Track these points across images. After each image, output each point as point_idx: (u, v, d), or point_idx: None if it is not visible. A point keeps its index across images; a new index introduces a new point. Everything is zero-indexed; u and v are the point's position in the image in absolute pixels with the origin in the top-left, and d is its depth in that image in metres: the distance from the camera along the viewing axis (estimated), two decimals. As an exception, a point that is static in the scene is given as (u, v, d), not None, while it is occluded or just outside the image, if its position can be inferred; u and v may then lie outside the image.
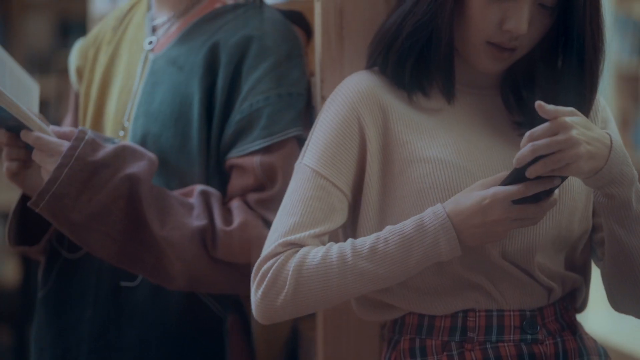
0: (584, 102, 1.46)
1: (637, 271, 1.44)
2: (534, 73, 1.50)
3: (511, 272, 1.46)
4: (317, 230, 1.45)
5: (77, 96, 1.93)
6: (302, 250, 1.43)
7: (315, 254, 1.42)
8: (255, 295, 1.44)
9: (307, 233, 1.44)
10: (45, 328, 1.78)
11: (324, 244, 1.46)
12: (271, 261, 1.44)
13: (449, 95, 1.50)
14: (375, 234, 1.41)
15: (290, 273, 1.42)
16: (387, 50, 1.50)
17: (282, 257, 1.43)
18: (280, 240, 1.44)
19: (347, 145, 1.48)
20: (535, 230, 1.46)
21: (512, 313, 1.47)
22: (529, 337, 1.46)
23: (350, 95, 1.50)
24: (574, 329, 1.52)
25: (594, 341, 1.54)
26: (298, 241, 1.44)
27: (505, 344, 1.45)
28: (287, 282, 1.42)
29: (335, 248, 1.42)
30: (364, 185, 1.48)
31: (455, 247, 1.38)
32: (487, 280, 1.46)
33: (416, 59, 1.49)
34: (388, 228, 1.41)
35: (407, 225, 1.39)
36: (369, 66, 1.55)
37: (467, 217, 1.37)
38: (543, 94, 1.48)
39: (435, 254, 1.38)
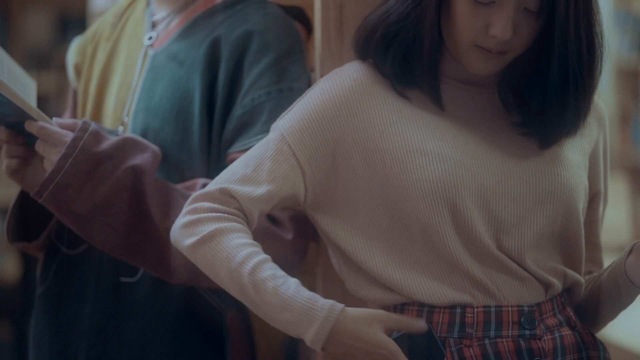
0: (574, 107, 1.47)
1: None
2: (532, 73, 1.50)
3: (509, 267, 1.47)
4: (261, 190, 1.47)
5: (75, 93, 1.93)
6: (234, 225, 1.45)
7: (235, 238, 1.44)
8: (181, 218, 1.48)
9: (250, 192, 1.47)
10: (44, 324, 1.78)
11: (262, 212, 1.49)
12: (211, 204, 1.47)
13: (437, 101, 1.50)
14: (283, 274, 1.43)
15: (209, 231, 1.44)
16: (366, 46, 1.52)
17: (221, 214, 1.46)
18: (225, 186, 1.48)
19: (324, 126, 1.49)
20: (529, 227, 1.47)
21: (510, 309, 1.47)
22: (527, 332, 1.46)
23: (346, 81, 1.50)
24: (573, 324, 1.52)
25: (593, 336, 1.54)
26: (239, 197, 1.47)
27: (504, 340, 1.46)
28: (202, 234, 1.45)
29: (247, 250, 1.43)
30: (350, 175, 1.49)
31: (318, 341, 1.40)
32: (484, 276, 1.46)
33: (401, 60, 1.49)
34: (294, 281, 1.43)
35: (302, 293, 1.41)
36: (357, 53, 1.55)
37: (349, 339, 1.40)
38: (538, 95, 1.49)
39: (299, 331, 1.41)
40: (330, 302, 1.41)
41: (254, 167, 1.49)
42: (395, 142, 1.47)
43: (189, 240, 1.46)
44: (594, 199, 1.59)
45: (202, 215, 1.46)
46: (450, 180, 1.44)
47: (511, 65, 1.49)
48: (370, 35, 1.51)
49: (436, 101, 1.50)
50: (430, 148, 1.46)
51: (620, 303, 1.54)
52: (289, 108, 1.54)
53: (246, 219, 1.49)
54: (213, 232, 1.44)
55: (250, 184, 1.48)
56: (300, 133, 1.49)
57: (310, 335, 1.40)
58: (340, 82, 1.51)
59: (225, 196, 1.48)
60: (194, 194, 1.50)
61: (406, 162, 1.46)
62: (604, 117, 1.60)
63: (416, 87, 1.51)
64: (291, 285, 1.41)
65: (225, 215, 1.46)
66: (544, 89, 1.48)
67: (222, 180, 1.50)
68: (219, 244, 1.44)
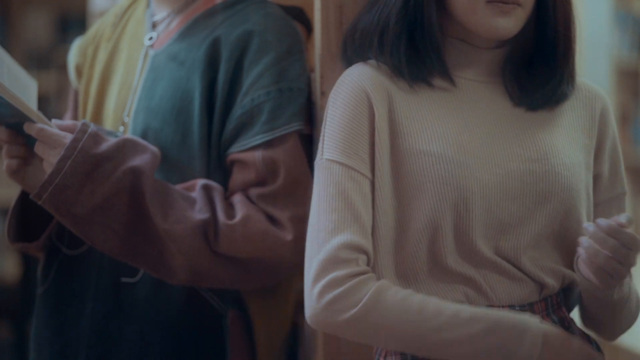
0: (563, 72, 1.52)
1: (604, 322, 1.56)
2: (531, 59, 1.53)
3: (503, 268, 1.46)
4: (366, 223, 1.43)
5: (76, 94, 1.93)
6: (383, 282, 1.41)
7: (397, 291, 1.41)
8: (318, 301, 1.41)
9: (362, 231, 1.43)
10: (44, 324, 1.78)
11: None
12: (344, 271, 1.41)
13: (445, 77, 1.51)
14: (466, 306, 1.41)
15: (369, 294, 1.39)
16: (380, 41, 1.51)
17: (362, 277, 1.41)
18: (341, 241, 1.41)
19: (361, 132, 1.48)
20: (527, 228, 1.47)
21: (501, 309, 1.47)
22: None
23: (356, 85, 1.49)
24: (567, 324, 1.52)
25: (587, 336, 1.54)
26: (360, 245, 1.42)
27: None
28: (363, 301, 1.39)
29: (417, 297, 1.40)
30: (376, 170, 1.49)
31: (535, 349, 1.37)
32: (478, 275, 1.46)
33: (408, 45, 1.49)
34: (481, 309, 1.41)
35: (498, 312, 1.41)
36: (349, 60, 1.55)
37: (559, 339, 1.40)
38: (534, 70, 1.52)
39: (509, 349, 1.37)
40: (525, 314, 1.42)
41: (344, 208, 1.43)
42: (400, 144, 1.47)
43: (348, 314, 1.39)
44: (595, 181, 1.58)
45: (347, 285, 1.40)
46: (449, 181, 1.44)
47: (512, 51, 1.52)
48: (382, 32, 1.50)
49: (443, 73, 1.50)
50: (431, 149, 1.46)
51: (594, 305, 1.53)
52: (320, 144, 1.50)
53: (369, 260, 1.45)
54: (373, 297, 1.39)
55: (354, 223, 1.43)
56: (353, 151, 1.46)
57: (526, 346, 1.37)
58: (351, 91, 1.49)
59: (350, 251, 1.42)
60: (320, 265, 1.41)
61: (410, 164, 1.46)
62: (607, 107, 1.59)
63: (420, 79, 1.51)
64: (484, 310, 1.40)
65: (365, 276, 1.41)
66: (540, 67, 1.52)
67: (325, 238, 1.43)
68: (385, 304, 1.39)
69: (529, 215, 1.47)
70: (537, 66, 1.52)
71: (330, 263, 1.41)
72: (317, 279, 1.42)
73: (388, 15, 1.49)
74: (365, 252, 1.43)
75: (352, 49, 1.55)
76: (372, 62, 1.53)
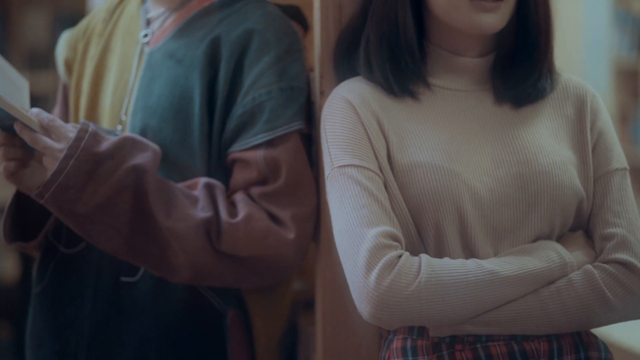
0: (543, 66, 1.54)
1: None
2: (513, 51, 1.54)
3: None
4: (391, 218, 1.44)
5: (65, 88, 1.92)
6: (425, 255, 1.43)
7: (442, 258, 1.43)
8: (379, 286, 1.39)
9: (390, 224, 1.43)
10: (41, 324, 1.78)
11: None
12: (395, 252, 1.41)
13: (421, 81, 1.51)
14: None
15: (423, 263, 1.40)
16: (367, 62, 1.52)
17: (407, 254, 1.41)
18: (379, 230, 1.42)
19: (362, 138, 1.48)
20: (525, 231, 1.47)
21: None
22: (519, 335, 1.46)
23: (345, 100, 1.51)
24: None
25: (594, 336, 1.54)
26: (395, 234, 1.43)
27: (496, 343, 1.45)
28: (422, 270, 1.40)
29: (473, 262, 1.43)
30: (383, 171, 1.49)
31: None
32: None
33: (391, 61, 1.51)
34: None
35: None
36: (340, 76, 1.57)
37: None
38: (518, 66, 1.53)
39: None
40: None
41: (372, 203, 1.44)
42: (393, 157, 1.47)
43: (413, 285, 1.39)
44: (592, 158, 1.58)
45: (400, 263, 1.40)
46: (441, 191, 1.44)
47: (497, 61, 1.53)
48: (364, 54, 1.53)
49: (419, 77, 1.51)
50: (423, 159, 1.46)
51: None
52: (327, 158, 1.50)
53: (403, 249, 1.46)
54: (427, 265, 1.40)
55: (385, 215, 1.44)
56: (362, 154, 1.47)
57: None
58: (343, 107, 1.50)
59: (389, 239, 1.42)
60: (369, 254, 1.40)
61: (402, 176, 1.46)
62: (596, 98, 1.59)
63: (409, 94, 1.51)
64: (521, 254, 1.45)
65: (408, 253, 1.42)
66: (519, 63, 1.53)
67: (364, 229, 1.43)
68: (442, 267, 1.40)
69: (525, 218, 1.47)
70: (519, 62, 1.53)
71: (378, 249, 1.41)
72: (369, 266, 1.41)
73: (369, 34, 1.51)
74: (400, 241, 1.44)
75: (342, 68, 1.58)
76: (359, 77, 1.54)
